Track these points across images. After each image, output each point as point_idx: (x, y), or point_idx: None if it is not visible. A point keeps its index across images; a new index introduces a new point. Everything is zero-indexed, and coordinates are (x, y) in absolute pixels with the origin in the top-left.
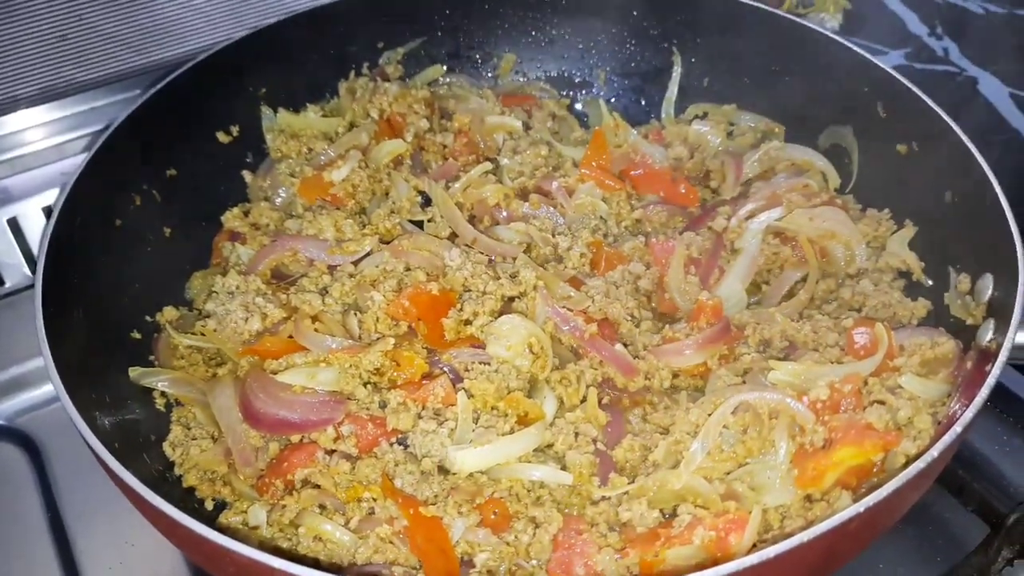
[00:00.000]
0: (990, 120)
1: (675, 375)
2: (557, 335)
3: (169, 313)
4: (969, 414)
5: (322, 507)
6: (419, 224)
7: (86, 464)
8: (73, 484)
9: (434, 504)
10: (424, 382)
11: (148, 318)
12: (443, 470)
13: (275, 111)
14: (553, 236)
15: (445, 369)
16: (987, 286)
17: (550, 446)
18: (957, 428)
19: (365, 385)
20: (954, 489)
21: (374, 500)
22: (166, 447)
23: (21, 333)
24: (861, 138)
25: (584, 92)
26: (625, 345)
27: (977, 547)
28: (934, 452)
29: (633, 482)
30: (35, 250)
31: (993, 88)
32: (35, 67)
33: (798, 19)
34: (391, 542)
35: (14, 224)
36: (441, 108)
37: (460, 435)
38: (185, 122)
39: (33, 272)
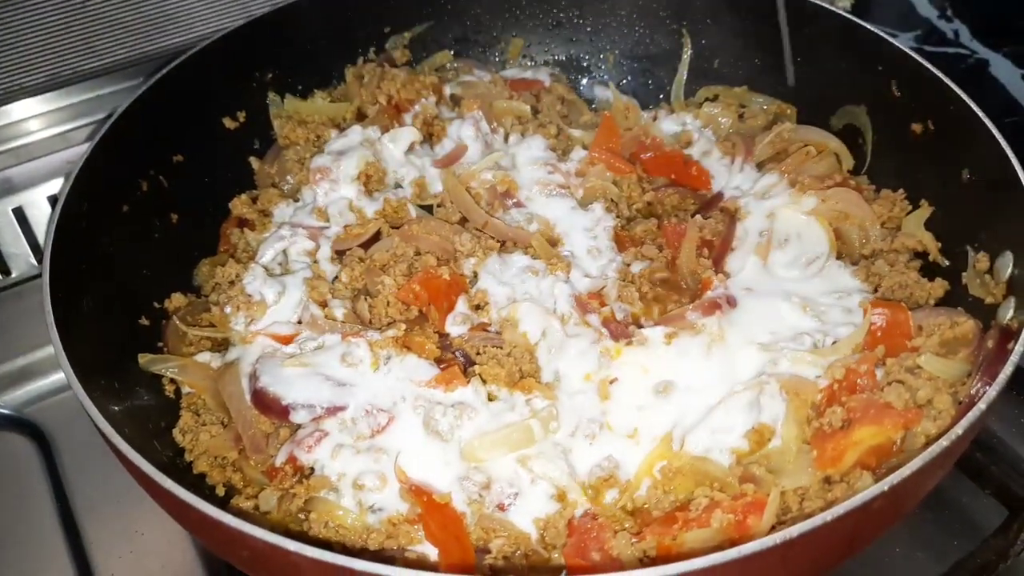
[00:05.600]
0: (1001, 102)
1: None
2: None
3: (177, 300)
4: (993, 391)
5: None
6: (428, 209)
7: (95, 452)
8: (82, 473)
9: (447, 491)
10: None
11: (156, 304)
12: None
13: (282, 97)
14: None
15: (456, 354)
16: (1007, 264)
17: None
18: (981, 405)
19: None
20: (972, 472)
21: None
22: (176, 433)
23: (28, 323)
24: (875, 118)
25: (593, 75)
26: (639, 327)
27: (995, 531)
28: (958, 430)
29: None
30: (41, 240)
31: (1004, 70)
32: (39, 56)
33: None
34: (403, 527)
35: (19, 214)
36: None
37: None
38: (191, 108)
39: (39, 262)
